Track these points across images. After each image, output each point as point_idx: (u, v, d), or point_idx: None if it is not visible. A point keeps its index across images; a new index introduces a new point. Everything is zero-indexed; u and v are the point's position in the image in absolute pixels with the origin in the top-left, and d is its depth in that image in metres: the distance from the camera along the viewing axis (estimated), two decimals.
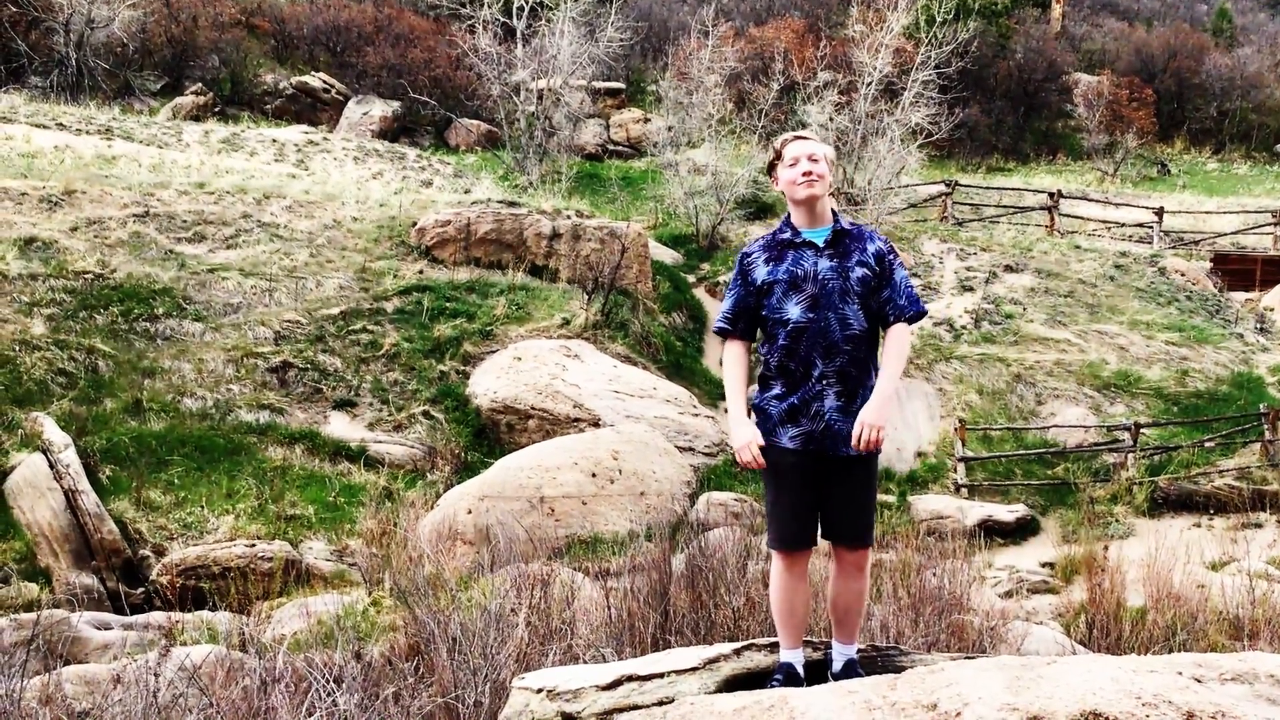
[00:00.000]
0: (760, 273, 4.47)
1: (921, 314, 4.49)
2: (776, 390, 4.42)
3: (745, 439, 4.38)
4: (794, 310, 4.37)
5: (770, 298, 4.44)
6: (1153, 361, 20.89)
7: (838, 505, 4.38)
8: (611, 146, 37.08)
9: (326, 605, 9.17)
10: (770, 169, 4.59)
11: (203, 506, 13.84)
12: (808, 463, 4.35)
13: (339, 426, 16.29)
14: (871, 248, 4.46)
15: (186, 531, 13.39)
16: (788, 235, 4.50)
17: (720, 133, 30.06)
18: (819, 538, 4.47)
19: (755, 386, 4.58)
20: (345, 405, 16.73)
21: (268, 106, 35.02)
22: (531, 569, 7.23)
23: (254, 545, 12.79)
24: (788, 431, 4.38)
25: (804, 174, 4.42)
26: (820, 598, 5.48)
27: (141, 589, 12.56)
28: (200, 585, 12.06)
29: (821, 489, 4.38)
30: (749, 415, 4.50)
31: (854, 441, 4.26)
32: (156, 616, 10.66)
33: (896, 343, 4.43)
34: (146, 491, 13.85)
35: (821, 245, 4.43)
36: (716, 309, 24.08)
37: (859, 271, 4.40)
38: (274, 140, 29.37)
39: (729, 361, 4.54)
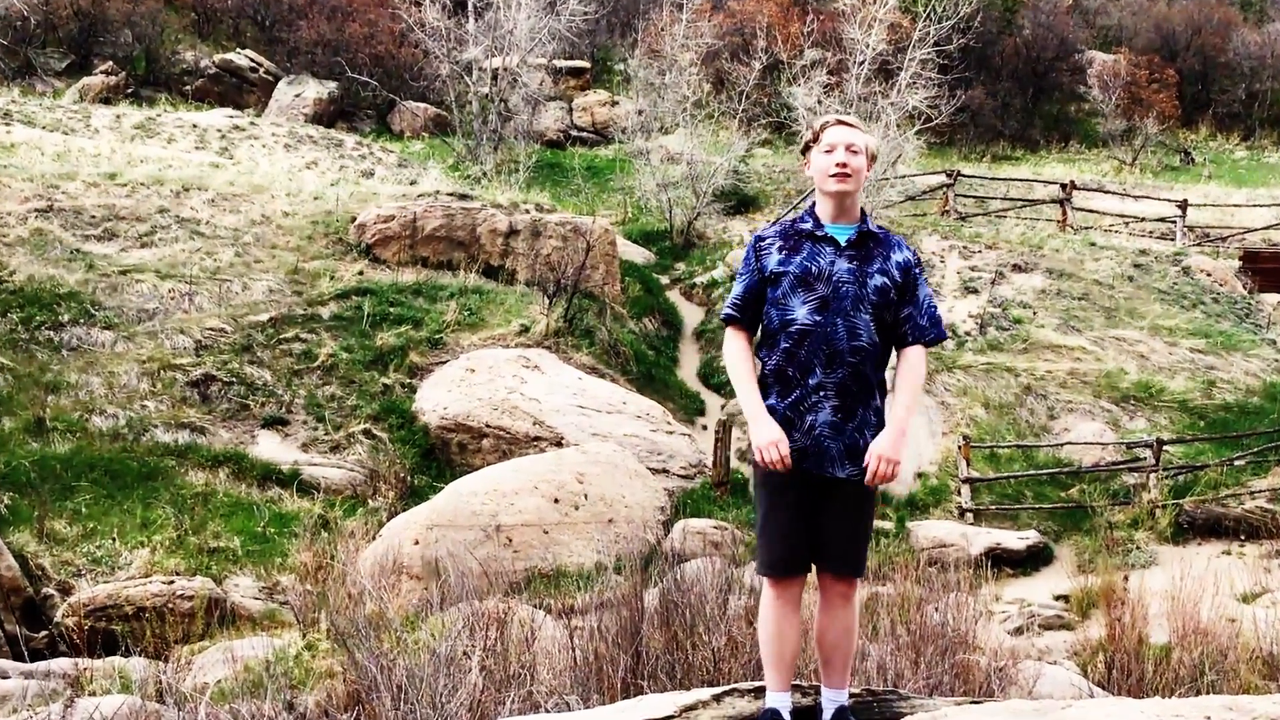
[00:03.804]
0: (771, 260, 4.51)
1: (942, 338, 4.54)
2: (770, 400, 4.43)
3: (770, 437, 4.35)
4: (801, 310, 4.41)
5: (776, 290, 4.47)
6: (1176, 371, 21.08)
7: (828, 529, 4.40)
8: (575, 132, 37.11)
9: (255, 649, 9.12)
10: (805, 150, 4.63)
11: (114, 539, 13.72)
12: (799, 481, 4.37)
13: (269, 447, 16.19)
14: (898, 257, 4.51)
15: (96, 567, 13.26)
16: (809, 225, 4.54)
17: (696, 117, 30.15)
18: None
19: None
20: (276, 423, 16.64)
21: (187, 88, 34.82)
22: (487, 606, 7.20)
23: (172, 582, 12.68)
24: None
25: (839, 165, 4.46)
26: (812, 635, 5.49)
27: (45, 632, 12.42)
28: (111, 627, 11.94)
29: (814, 510, 4.39)
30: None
31: (868, 477, 4.29)
32: (62, 663, 10.55)
33: (913, 368, 4.47)
34: (50, 522, 13.71)
35: (844, 244, 4.47)
36: (693, 314, 24.18)
37: (878, 280, 4.43)
38: (194, 125, 29.23)
39: (734, 354, 4.56)
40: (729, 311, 4.60)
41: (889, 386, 4.53)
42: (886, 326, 4.46)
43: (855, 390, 4.38)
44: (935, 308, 4.54)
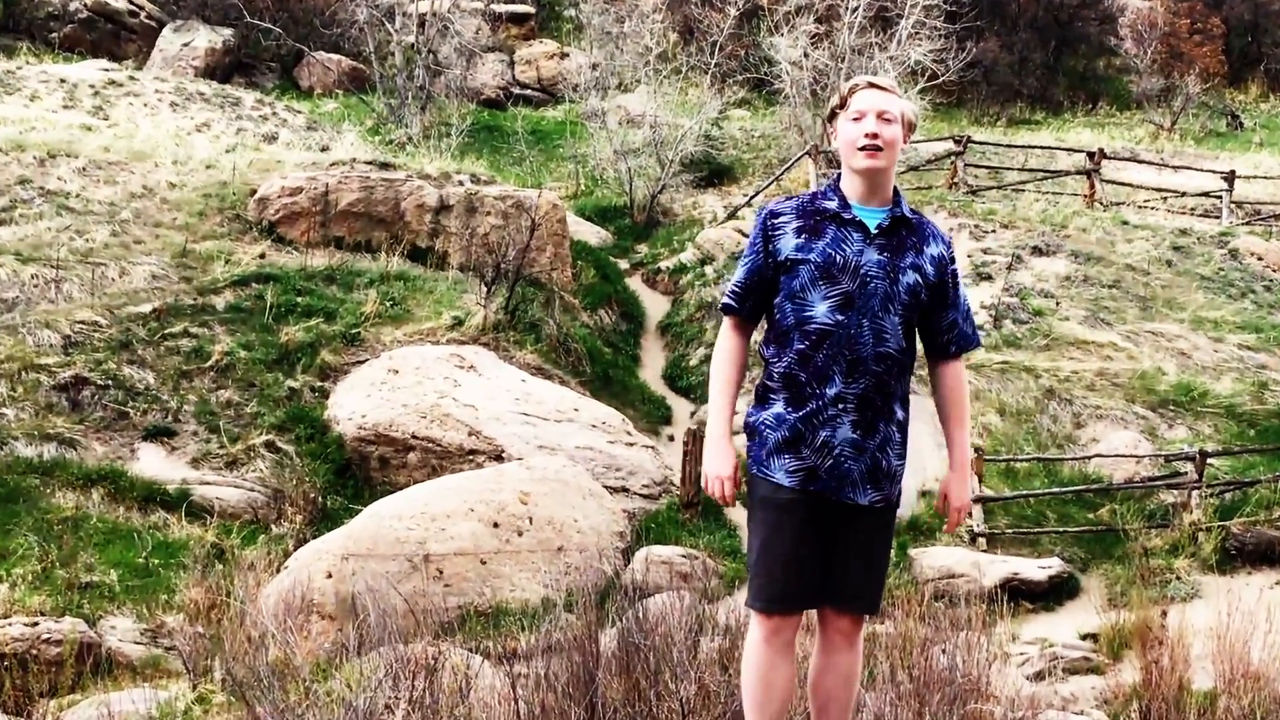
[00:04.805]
0: (788, 244, 4.49)
1: (979, 342, 4.67)
2: (777, 408, 4.42)
3: (717, 470, 4.42)
4: (820, 307, 4.39)
5: (793, 280, 4.45)
6: (1222, 371, 21.27)
7: (842, 560, 4.43)
8: (517, 90, 37.07)
9: (135, 703, 9.07)
10: (830, 117, 4.62)
11: None
12: (808, 505, 4.39)
13: (152, 463, 16.09)
14: (933, 250, 4.52)
15: None
16: (833, 205, 4.52)
17: (661, 73, 30.19)
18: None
19: (750, 400, 4.59)
20: (161, 434, 16.54)
21: (54, 35, 34.54)
22: (413, 651, 7.18)
23: (36, 624, 12.57)
24: (784, 463, 4.40)
25: (868, 136, 4.44)
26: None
27: None
28: None
29: (824, 539, 4.41)
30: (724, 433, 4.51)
31: (947, 526, 4.56)
32: None
33: (961, 386, 4.64)
34: None
35: (874, 230, 4.46)
36: (657, 304, 24.19)
37: (910, 277, 4.44)
38: (62, 80, 29.01)
39: (723, 352, 4.58)
40: (726, 300, 4.61)
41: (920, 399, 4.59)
42: (913, 329, 4.49)
43: (879, 403, 4.40)
44: (969, 305, 4.58)
